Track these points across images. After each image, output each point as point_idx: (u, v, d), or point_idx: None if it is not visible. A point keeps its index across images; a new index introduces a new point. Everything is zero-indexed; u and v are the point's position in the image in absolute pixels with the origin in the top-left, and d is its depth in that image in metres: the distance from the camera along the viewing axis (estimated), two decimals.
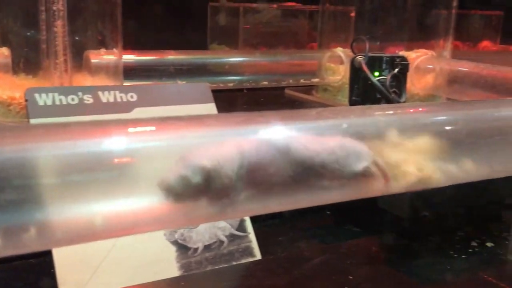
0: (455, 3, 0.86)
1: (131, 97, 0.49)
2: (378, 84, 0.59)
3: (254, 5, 1.32)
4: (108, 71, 0.64)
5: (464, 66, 0.73)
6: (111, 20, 0.64)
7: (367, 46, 0.64)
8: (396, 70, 0.62)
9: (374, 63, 0.63)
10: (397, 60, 0.63)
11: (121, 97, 0.49)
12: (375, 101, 0.62)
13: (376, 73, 0.63)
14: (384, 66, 0.63)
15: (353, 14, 0.98)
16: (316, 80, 0.83)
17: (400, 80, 0.62)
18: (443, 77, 0.75)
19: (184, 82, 0.70)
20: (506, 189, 0.56)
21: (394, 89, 0.60)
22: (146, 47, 0.78)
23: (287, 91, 0.94)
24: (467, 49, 1.80)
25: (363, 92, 0.63)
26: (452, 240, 0.56)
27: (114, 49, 0.65)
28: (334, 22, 0.91)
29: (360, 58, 0.63)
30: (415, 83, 0.80)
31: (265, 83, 0.78)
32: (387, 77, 0.60)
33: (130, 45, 0.72)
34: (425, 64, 0.79)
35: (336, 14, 0.92)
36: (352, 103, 0.65)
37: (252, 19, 1.35)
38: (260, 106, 0.79)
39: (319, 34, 0.90)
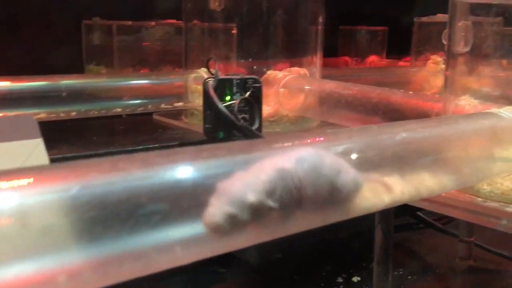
0: (321, 19, 0.84)
1: None
2: (224, 110, 0.53)
3: (129, 22, 1.24)
4: None
5: (328, 86, 0.69)
6: None
7: (217, 67, 0.58)
8: (248, 93, 0.56)
9: (225, 87, 0.57)
10: (249, 82, 0.57)
11: None
12: (229, 128, 0.56)
13: (228, 97, 0.57)
14: (235, 89, 0.57)
15: (234, 31, 0.93)
16: (180, 104, 0.76)
17: (252, 105, 0.56)
18: (314, 97, 0.71)
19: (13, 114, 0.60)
20: (365, 219, 0.52)
21: (243, 115, 0.55)
22: (19, 71, 0.66)
23: (155, 116, 0.86)
24: (356, 65, 1.83)
25: (215, 119, 0.57)
26: (317, 278, 0.51)
27: None
28: (202, 40, 0.84)
29: (209, 81, 0.57)
30: (284, 104, 0.75)
31: (118, 109, 0.69)
32: (236, 101, 0.54)
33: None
34: (292, 84, 0.74)
35: (205, 30, 0.86)
36: (205, 131, 0.59)
37: (131, 38, 1.26)
38: (115, 136, 0.70)
39: (184, 53, 0.84)
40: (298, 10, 0.82)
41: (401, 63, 1.63)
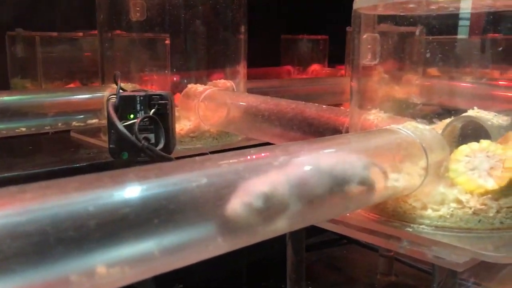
0: (243, 29, 0.82)
1: None
2: (123, 130, 0.49)
3: (55, 34, 1.18)
4: None
5: (246, 100, 0.67)
6: None
7: (119, 83, 0.54)
8: (152, 111, 0.53)
9: (128, 104, 0.53)
10: (155, 98, 0.54)
11: None
12: (133, 149, 0.52)
13: (132, 116, 0.53)
14: (138, 107, 0.53)
15: (168, 42, 0.89)
16: (95, 121, 0.71)
17: (158, 123, 0.53)
18: (235, 112, 0.68)
19: None
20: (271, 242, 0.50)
21: (146, 135, 0.51)
22: None
23: (73, 134, 0.82)
24: (298, 73, 1.83)
25: (117, 139, 0.53)
26: None
27: None
28: (123, 51, 0.81)
29: (111, 99, 0.53)
30: (205, 119, 0.72)
31: (23, 129, 0.64)
32: (136, 120, 0.51)
33: None
34: (212, 98, 0.71)
35: (124, 41, 0.82)
36: (110, 152, 0.55)
37: (57, 49, 1.20)
38: (18, 158, 0.65)
39: (100, 66, 0.79)
40: (219, 20, 0.80)
41: (343, 71, 1.64)
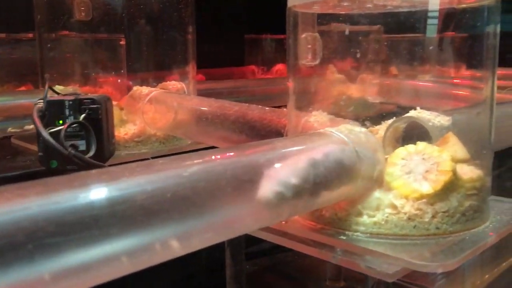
0: (191, 29, 0.79)
1: None
2: (47, 137, 0.46)
3: (3, 35, 1.13)
4: None
5: (190, 103, 0.64)
6: None
7: (47, 87, 0.51)
8: (82, 116, 0.50)
9: (56, 109, 0.50)
10: (85, 103, 0.51)
11: None
12: (61, 157, 0.49)
13: (61, 121, 0.50)
14: (67, 112, 0.50)
15: (123, 42, 0.86)
16: (32, 126, 0.68)
17: (88, 129, 0.50)
18: (183, 115, 0.66)
19: None
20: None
21: (73, 142, 0.48)
22: None
23: (13, 140, 0.78)
24: (263, 73, 1.81)
25: (45, 147, 0.50)
26: None
27: None
28: (59, 52, 0.77)
29: (38, 104, 0.50)
30: (151, 123, 0.69)
31: None
32: (63, 127, 0.48)
33: None
34: (157, 101, 0.69)
35: (69, 42, 0.79)
36: (39, 160, 0.52)
37: (5, 51, 1.15)
38: None
39: (39, 68, 0.76)
40: (166, 20, 0.77)
41: None
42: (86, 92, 0.82)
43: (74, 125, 0.49)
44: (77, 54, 0.80)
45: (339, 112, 0.51)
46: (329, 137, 0.39)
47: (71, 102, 0.50)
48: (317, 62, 0.50)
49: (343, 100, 0.54)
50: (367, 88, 0.62)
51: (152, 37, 0.79)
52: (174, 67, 0.78)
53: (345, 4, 0.44)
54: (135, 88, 0.74)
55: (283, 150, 0.36)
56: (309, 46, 0.49)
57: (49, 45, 0.77)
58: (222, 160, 0.31)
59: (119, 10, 0.79)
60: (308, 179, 0.35)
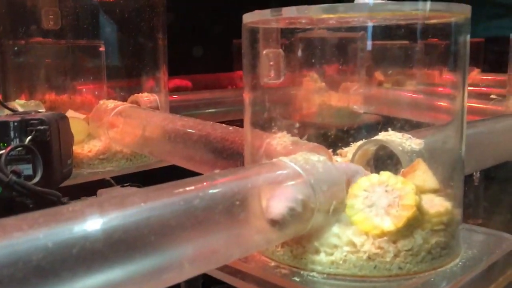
0: (161, 36, 0.76)
1: None
2: None
3: None
4: None
5: (154, 120, 0.61)
6: None
7: None
8: (28, 139, 0.47)
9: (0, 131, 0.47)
10: (33, 124, 0.47)
11: None
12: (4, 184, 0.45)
13: (5, 145, 0.47)
14: (13, 134, 0.47)
15: (102, 49, 0.83)
16: None
17: (34, 153, 0.47)
18: (148, 132, 0.62)
19: None
20: None
21: (15, 168, 0.45)
22: None
23: None
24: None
25: None
26: None
27: None
28: (24, 62, 0.74)
29: None
30: (115, 139, 0.66)
31: None
32: (4, 151, 0.44)
33: None
34: (123, 116, 0.65)
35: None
36: None
37: None
38: None
39: (1, 80, 0.72)
40: (135, 28, 0.74)
41: None
42: (62, 101, 0.79)
43: (19, 148, 0.45)
44: (44, 63, 0.77)
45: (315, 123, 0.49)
46: (281, 168, 0.35)
47: (16, 123, 0.46)
48: (281, 79, 0.47)
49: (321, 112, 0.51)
50: (349, 97, 0.59)
51: (121, 45, 0.76)
52: (144, 78, 0.75)
53: (303, 21, 0.41)
54: (101, 102, 0.70)
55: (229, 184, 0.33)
56: (271, 63, 0.46)
57: (12, 56, 0.73)
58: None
59: (88, 17, 0.76)
60: None
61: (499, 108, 0.89)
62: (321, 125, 0.54)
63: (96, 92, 0.74)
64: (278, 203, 0.33)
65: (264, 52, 0.45)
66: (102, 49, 0.84)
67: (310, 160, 0.37)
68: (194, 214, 0.28)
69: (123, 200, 0.26)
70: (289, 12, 0.36)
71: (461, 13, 0.37)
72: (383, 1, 0.35)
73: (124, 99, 0.77)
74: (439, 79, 0.44)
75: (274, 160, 0.37)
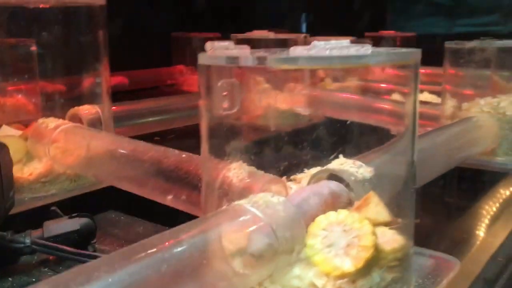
0: (102, 34, 0.72)
1: None
2: None
3: None
4: None
5: (100, 143, 0.58)
6: None
7: None
8: None
9: None
10: None
11: None
12: None
13: None
14: None
15: (34, 48, 0.78)
16: None
17: None
18: (94, 155, 0.60)
19: None
20: None
21: None
22: None
23: None
24: (191, 73, 1.75)
25: None
26: None
27: None
28: None
29: None
30: (58, 162, 0.63)
31: None
32: None
33: None
34: (65, 138, 0.62)
35: None
36: None
37: None
38: None
39: None
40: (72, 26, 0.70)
41: None
42: None
43: None
44: None
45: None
46: (241, 213, 0.35)
47: None
48: (234, 110, 0.46)
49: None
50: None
51: (56, 44, 0.72)
52: (83, 80, 0.72)
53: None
54: (40, 120, 0.67)
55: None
56: (225, 93, 0.46)
57: None
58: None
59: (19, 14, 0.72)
60: None
61: (436, 112, 0.94)
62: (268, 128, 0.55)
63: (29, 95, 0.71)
64: (256, 238, 0.34)
65: (220, 83, 0.45)
66: (34, 48, 0.79)
67: (270, 203, 0.37)
68: (163, 281, 0.28)
69: (88, 277, 0.25)
70: (246, 61, 0.36)
71: None
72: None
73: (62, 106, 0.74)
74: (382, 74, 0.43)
75: (235, 205, 0.37)
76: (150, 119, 0.87)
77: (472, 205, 0.69)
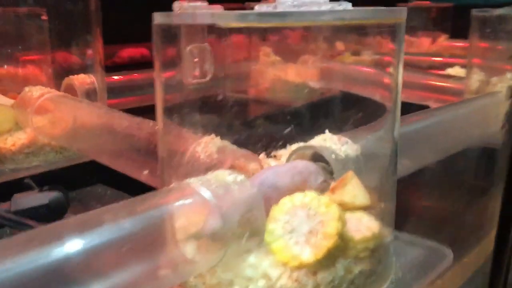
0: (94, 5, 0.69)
1: None
2: None
3: None
4: None
5: (79, 113, 0.55)
6: None
7: None
8: None
9: None
10: None
11: None
12: None
13: None
14: None
15: (45, 17, 0.76)
16: None
17: None
18: (74, 126, 0.57)
19: None
20: None
21: None
22: None
23: None
24: None
25: None
26: None
27: None
28: None
29: None
30: (43, 131, 0.61)
31: None
32: None
33: None
34: (47, 107, 0.60)
35: None
36: None
37: None
38: None
39: None
40: None
41: None
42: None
43: None
44: None
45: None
46: (188, 196, 0.31)
47: None
48: (207, 78, 0.42)
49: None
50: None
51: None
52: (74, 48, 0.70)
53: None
54: (27, 88, 0.64)
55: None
56: (196, 59, 0.41)
57: None
58: None
59: None
60: None
61: (459, 86, 0.87)
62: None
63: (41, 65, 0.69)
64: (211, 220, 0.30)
65: (189, 47, 0.40)
66: (44, 17, 0.77)
67: (224, 182, 0.33)
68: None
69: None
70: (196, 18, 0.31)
71: None
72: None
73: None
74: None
75: (183, 183, 0.33)
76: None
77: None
